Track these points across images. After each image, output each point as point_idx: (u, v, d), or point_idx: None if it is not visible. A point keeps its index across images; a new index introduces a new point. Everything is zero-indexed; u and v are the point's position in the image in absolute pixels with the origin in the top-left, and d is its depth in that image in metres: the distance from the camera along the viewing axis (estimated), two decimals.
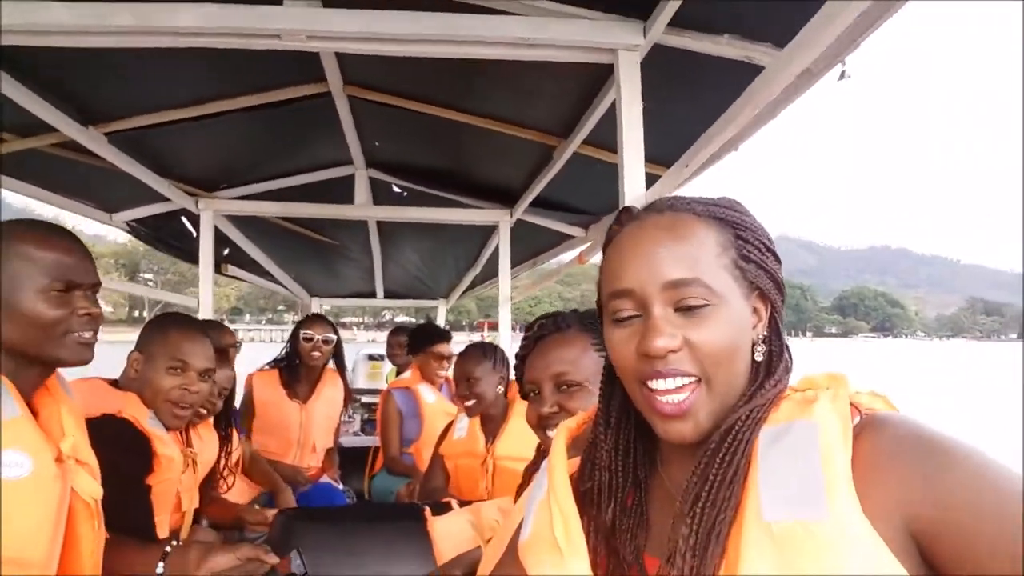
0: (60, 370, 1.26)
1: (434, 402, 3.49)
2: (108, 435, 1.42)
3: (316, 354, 3.18)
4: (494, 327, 4.71)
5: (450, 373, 3.52)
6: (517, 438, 2.59)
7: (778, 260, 0.79)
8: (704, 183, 2.36)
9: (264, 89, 2.67)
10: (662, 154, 2.34)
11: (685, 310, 0.72)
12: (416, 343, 3.71)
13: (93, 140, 2.57)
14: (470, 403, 2.58)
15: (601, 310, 0.80)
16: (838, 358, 59.32)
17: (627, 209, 0.82)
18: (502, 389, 2.70)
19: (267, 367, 3.29)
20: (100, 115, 2.57)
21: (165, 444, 1.72)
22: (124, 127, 2.63)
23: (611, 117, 1.97)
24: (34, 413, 1.19)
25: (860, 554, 0.59)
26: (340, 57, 2.40)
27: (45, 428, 1.17)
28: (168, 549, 1.37)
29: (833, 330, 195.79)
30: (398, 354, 4.90)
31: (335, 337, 3.24)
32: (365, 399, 6.92)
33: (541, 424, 1.37)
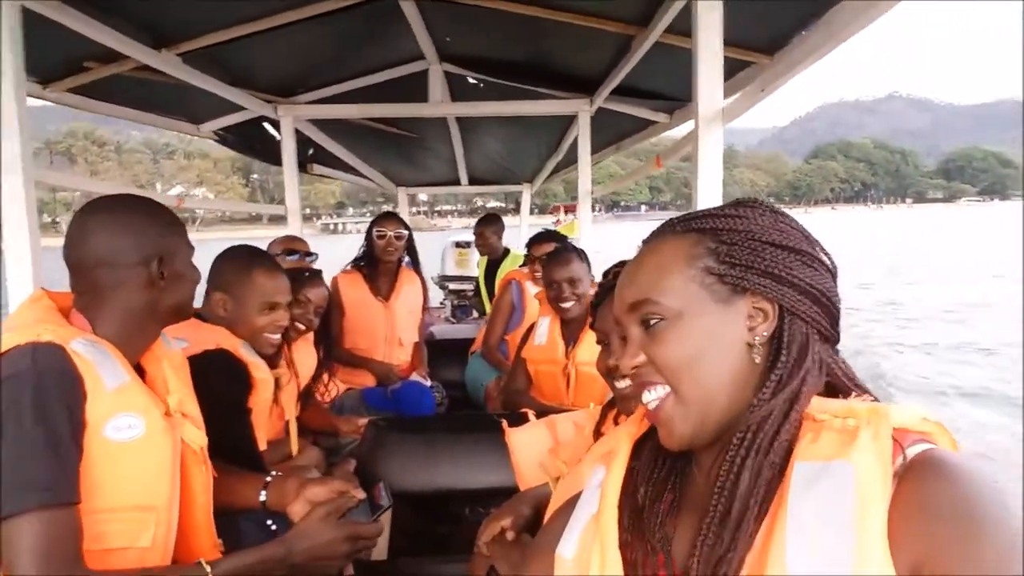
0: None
1: (535, 295, 3.54)
2: (212, 369, 1.54)
3: (390, 249, 3.28)
4: (570, 210, 4.64)
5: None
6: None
7: (793, 252, 0.74)
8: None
9: None
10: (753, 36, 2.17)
11: (648, 328, 0.76)
12: (527, 244, 3.79)
13: (167, 62, 2.61)
14: (569, 304, 2.59)
15: None
16: (929, 225, 55.36)
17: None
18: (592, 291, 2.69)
19: (349, 267, 3.41)
20: (171, 38, 2.59)
21: (259, 369, 1.83)
22: (196, 46, 2.65)
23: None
24: (142, 372, 1.29)
25: None
26: None
27: (152, 386, 1.27)
28: (268, 479, 1.48)
29: (938, 195, 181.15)
30: (481, 244, 4.93)
31: (407, 232, 3.31)
32: (453, 286, 7.14)
33: (610, 375, 1.35)
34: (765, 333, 0.74)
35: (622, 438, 0.88)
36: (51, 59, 2.56)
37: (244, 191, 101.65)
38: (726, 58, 1.97)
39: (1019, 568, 0.57)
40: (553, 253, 2.78)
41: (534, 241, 3.71)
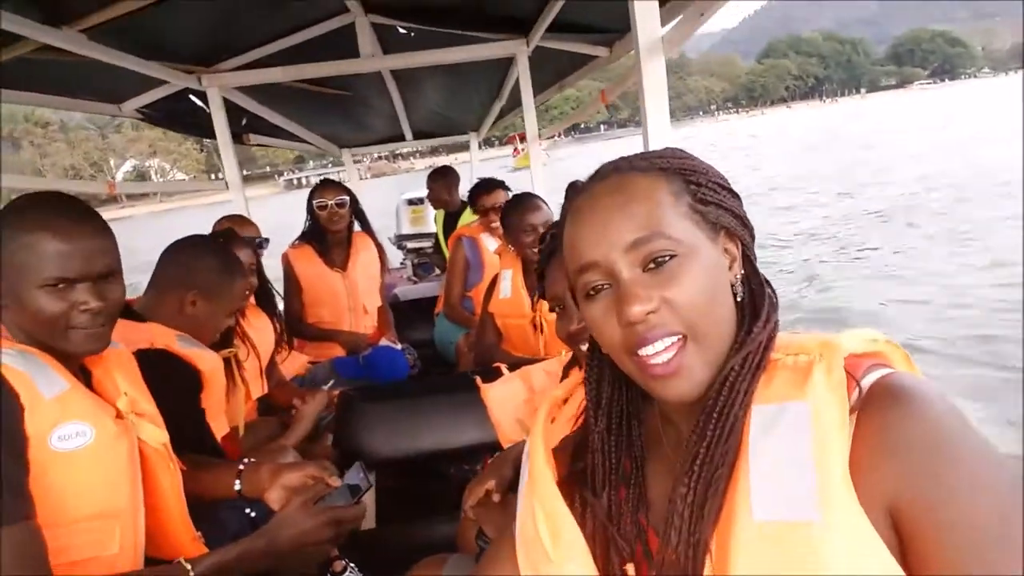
0: None
1: (494, 250, 3.45)
2: (150, 374, 1.42)
3: (335, 219, 3.16)
4: (524, 137, 4.52)
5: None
6: None
7: (736, 197, 0.75)
8: None
9: None
10: None
11: (654, 268, 0.68)
12: (472, 197, 3.60)
13: (71, 40, 2.40)
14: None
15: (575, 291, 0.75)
16: (891, 111, 56.58)
17: (573, 184, 0.79)
18: None
19: (297, 242, 3.28)
20: (72, 13, 2.38)
21: (203, 359, 1.74)
22: (101, 20, 2.44)
23: None
24: (88, 375, 1.22)
25: (853, 554, 0.57)
26: None
27: (100, 389, 1.22)
28: (242, 467, 1.45)
29: (891, 82, 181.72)
30: (434, 200, 4.80)
31: (348, 198, 3.18)
32: (411, 244, 7.03)
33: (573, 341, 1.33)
34: (741, 271, 0.73)
35: (544, 401, 0.86)
36: None
37: (200, 156, 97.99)
38: None
39: (992, 483, 0.57)
40: (521, 198, 2.71)
41: (480, 192, 3.51)
